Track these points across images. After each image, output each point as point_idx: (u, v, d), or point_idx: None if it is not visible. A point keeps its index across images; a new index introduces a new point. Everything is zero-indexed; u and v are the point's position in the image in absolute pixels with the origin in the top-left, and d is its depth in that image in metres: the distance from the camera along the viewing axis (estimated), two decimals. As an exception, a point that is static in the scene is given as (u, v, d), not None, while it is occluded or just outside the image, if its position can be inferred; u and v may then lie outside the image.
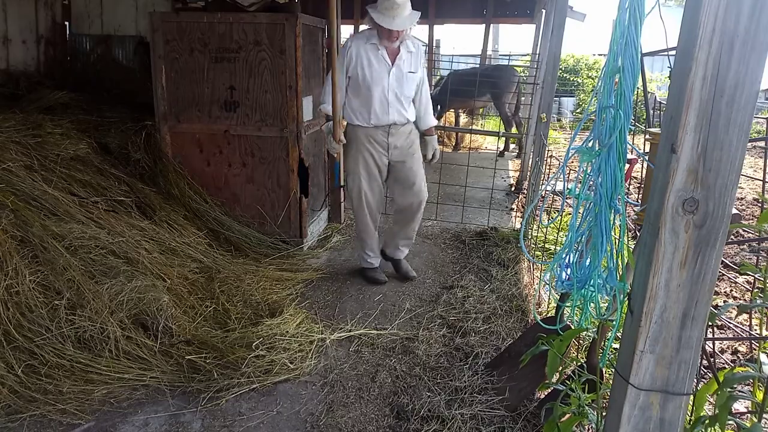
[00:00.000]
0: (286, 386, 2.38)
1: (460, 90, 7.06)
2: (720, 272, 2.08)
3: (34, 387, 2.19)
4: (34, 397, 2.15)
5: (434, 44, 10.75)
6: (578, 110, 13.05)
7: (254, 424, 2.15)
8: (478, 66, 9.17)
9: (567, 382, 1.58)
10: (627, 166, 1.24)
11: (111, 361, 2.36)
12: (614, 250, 1.26)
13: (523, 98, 7.77)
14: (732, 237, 3.53)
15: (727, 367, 1.78)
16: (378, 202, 3.35)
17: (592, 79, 13.35)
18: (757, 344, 1.38)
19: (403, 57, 3.08)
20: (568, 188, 1.38)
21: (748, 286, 3.45)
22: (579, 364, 1.87)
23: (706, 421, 1.20)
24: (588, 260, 1.31)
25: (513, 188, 6.09)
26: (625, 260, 1.28)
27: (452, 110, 8.58)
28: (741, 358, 2.75)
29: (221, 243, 3.59)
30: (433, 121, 3.35)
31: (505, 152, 8.08)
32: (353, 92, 3.15)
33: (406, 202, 3.30)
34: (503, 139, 7.99)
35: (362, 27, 12.13)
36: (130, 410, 2.19)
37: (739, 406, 2.09)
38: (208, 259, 3.32)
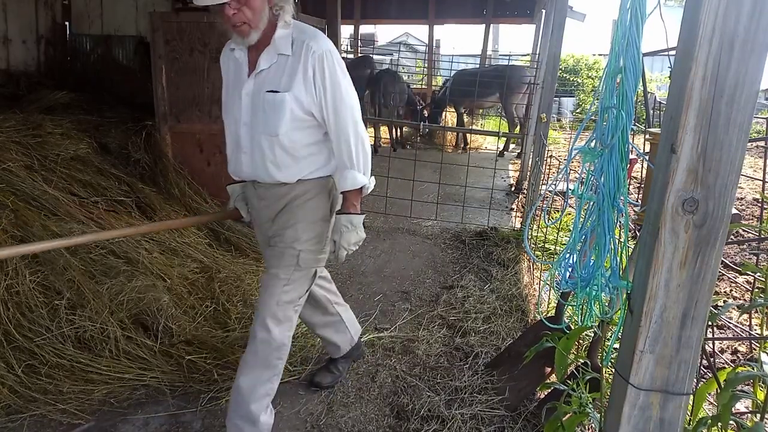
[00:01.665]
0: (286, 386, 2.38)
1: (469, 90, 7.03)
2: (720, 272, 2.08)
3: (34, 387, 2.19)
4: (34, 397, 2.15)
5: (434, 44, 10.77)
6: (578, 110, 13.05)
7: (254, 424, 2.15)
8: (486, 65, 9.19)
9: (568, 381, 1.58)
10: (627, 165, 1.24)
11: (111, 361, 2.36)
12: (617, 249, 1.26)
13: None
14: (732, 237, 3.53)
15: (727, 366, 1.79)
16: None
17: (592, 79, 13.36)
18: (758, 344, 1.38)
19: (261, 65, 1.76)
20: (570, 189, 1.38)
21: (748, 286, 3.45)
22: (582, 362, 1.87)
23: (708, 421, 1.20)
24: (592, 259, 1.31)
25: (513, 188, 6.09)
26: (627, 259, 1.29)
27: (454, 110, 8.57)
28: (741, 357, 2.75)
29: (221, 243, 3.59)
30: (353, 183, 1.83)
31: (505, 152, 8.08)
32: None
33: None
34: (503, 139, 7.99)
35: (362, 28, 12.08)
36: (130, 410, 2.19)
37: (740, 405, 2.09)
38: (208, 259, 3.32)
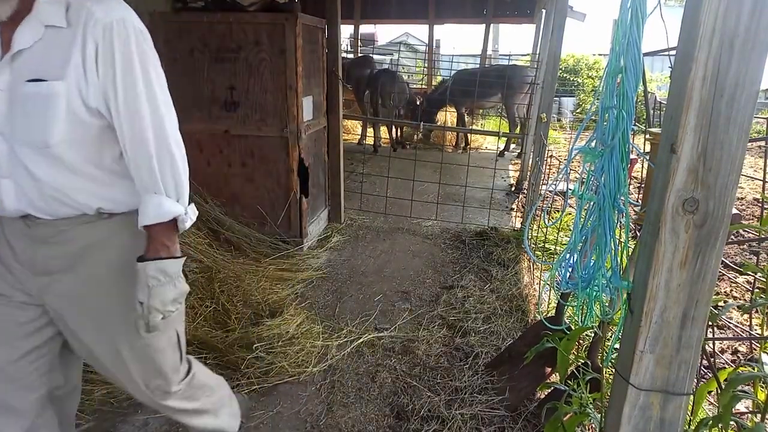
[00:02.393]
0: (286, 386, 2.38)
1: (471, 90, 7.02)
2: (720, 272, 2.08)
3: (34, 387, 2.19)
4: (34, 397, 2.15)
5: (434, 44, 10.78)
6: (578, 110, 13.05)
7: (254, 424, 2.15)
8: (486, 65, 9.18)
9: (568, 381, 1.58)
10: (627, 165, 1.24)
11: (111, 361, 2.35)
12: (618, 250, 1.26)
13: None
14: (732, 237, 3.53)
15: (727, 367, 1.79)
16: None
17: (593, 79, 13.36)
18: (758, 344, 1.38)
19: (19, 43, 1.17)
20: (570, 189, 1.38)
21: (748, 286, 3.45)
22: (582, 363, 1.87)
23: (709, 423, 1.20)
24: (592, 260, 1.31)
25: (513, 188, 6.09)
26: (627, 259, 1.28)
27: (454, 110, 8.56)
28: (741, 358, 2.75)
29: (221, 243, 3.59)
30: (158, 213, 1.26)
31: (505, 152, 8.08)
32: None
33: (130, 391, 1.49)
34: (504, 138, 7.99)
35: (362, 28, 12.09)
36: (130, 410, 2.19)
37: (740, 406, 2.09)
38: (208, 259, 3.32)
